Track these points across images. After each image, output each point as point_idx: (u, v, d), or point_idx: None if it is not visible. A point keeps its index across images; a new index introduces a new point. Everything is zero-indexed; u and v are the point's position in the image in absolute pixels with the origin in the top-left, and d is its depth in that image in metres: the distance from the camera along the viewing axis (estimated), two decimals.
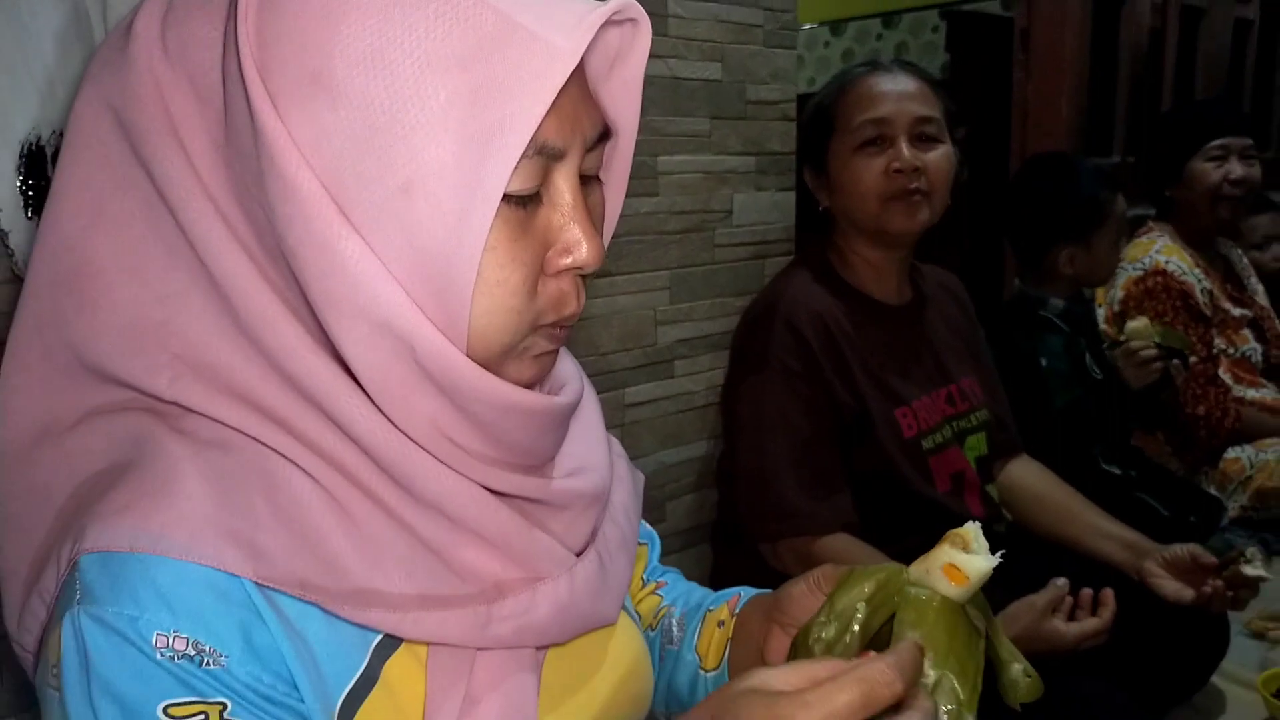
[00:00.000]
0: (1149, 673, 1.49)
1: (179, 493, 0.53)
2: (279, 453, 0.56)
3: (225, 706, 0.52)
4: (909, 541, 1.47)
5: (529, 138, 0.51)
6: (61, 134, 0.67)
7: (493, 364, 0.57)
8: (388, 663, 0.58)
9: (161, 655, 0.51)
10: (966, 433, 1.60)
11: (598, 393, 1.13)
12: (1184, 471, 2.37)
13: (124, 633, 0.50)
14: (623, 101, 0.61)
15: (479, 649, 0.59)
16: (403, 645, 0.58)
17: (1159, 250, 2.34)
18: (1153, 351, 2.04)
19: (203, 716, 0.51)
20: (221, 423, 0.56)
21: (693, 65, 1.60)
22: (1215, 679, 1.67)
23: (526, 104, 0.50)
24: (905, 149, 1.46)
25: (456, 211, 0.51)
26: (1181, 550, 1.45)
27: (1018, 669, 0.65)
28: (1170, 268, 2.30)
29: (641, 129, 1.53)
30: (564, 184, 0.57)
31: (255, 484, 0.55)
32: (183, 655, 0.51)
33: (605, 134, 0.60)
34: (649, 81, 1.60)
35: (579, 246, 0.57)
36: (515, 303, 0.56)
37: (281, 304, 0.55)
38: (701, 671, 0.80)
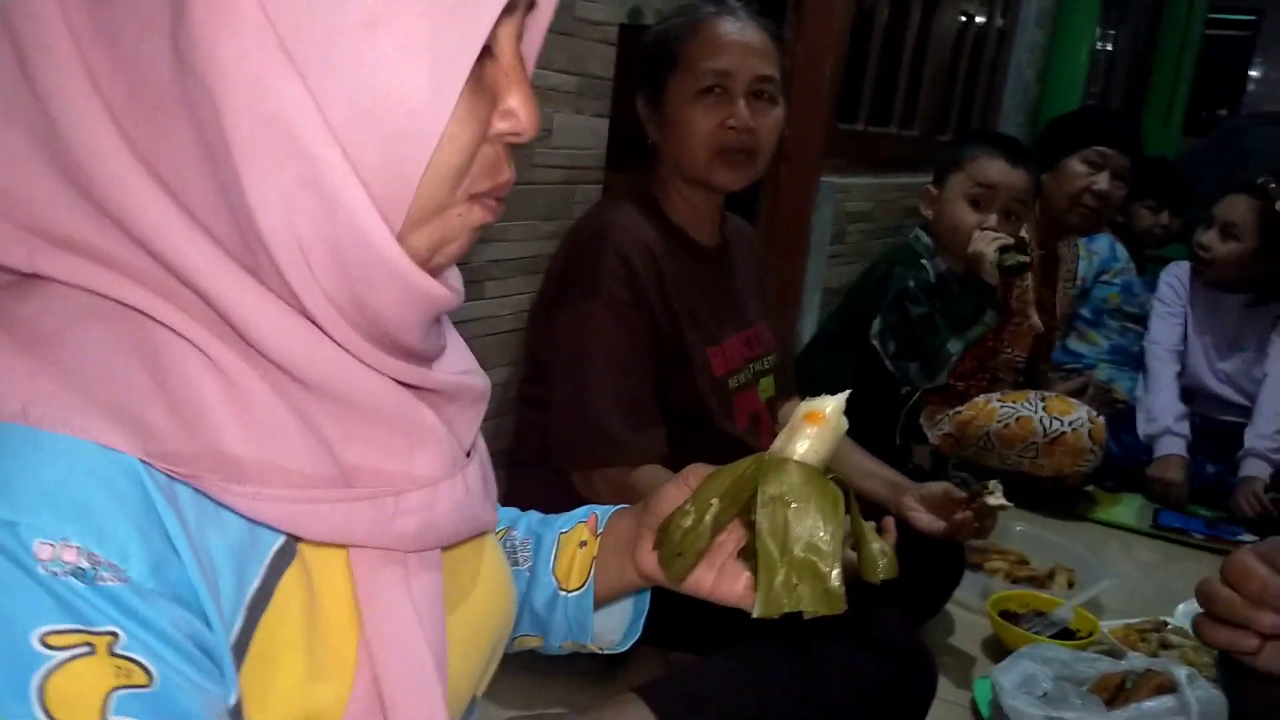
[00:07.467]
0: (902, 599, 1.64)
1: (50, 359, 0.45)
2: (163, 323, 0.47)
3: (116, 638, 0.42)
4: None
5: None
6: None
7: (419, 235, 0.52)
8: (285, 573, 0.51)
9: (45, 569, 0.41)
10: (760, 375, 1.67)
11: None
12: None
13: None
14: None
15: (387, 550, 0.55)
16: (297, 560, 0.52)
17: None
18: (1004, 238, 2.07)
19: (86, 649, 0.41)
20: (94, 292, 0.47)
21: None
22: (947, 605, 1.88)
23: None
24: (743, 107, 1.47)
25: (434, 51, 0.46)
26: (936, 487, 1.61)
27: (876, 548, 0.70)
28: None
29: None
30: (506, 41, 0.53)
31: (135, 356, 0.47)
32: (72, 569, 0.42)
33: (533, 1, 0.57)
34: None
35: (520, 112, 0.53)
36: (459, 161, 0.51)
37: (145, 172, 0.47)
38: (561, 592, 0.80)
